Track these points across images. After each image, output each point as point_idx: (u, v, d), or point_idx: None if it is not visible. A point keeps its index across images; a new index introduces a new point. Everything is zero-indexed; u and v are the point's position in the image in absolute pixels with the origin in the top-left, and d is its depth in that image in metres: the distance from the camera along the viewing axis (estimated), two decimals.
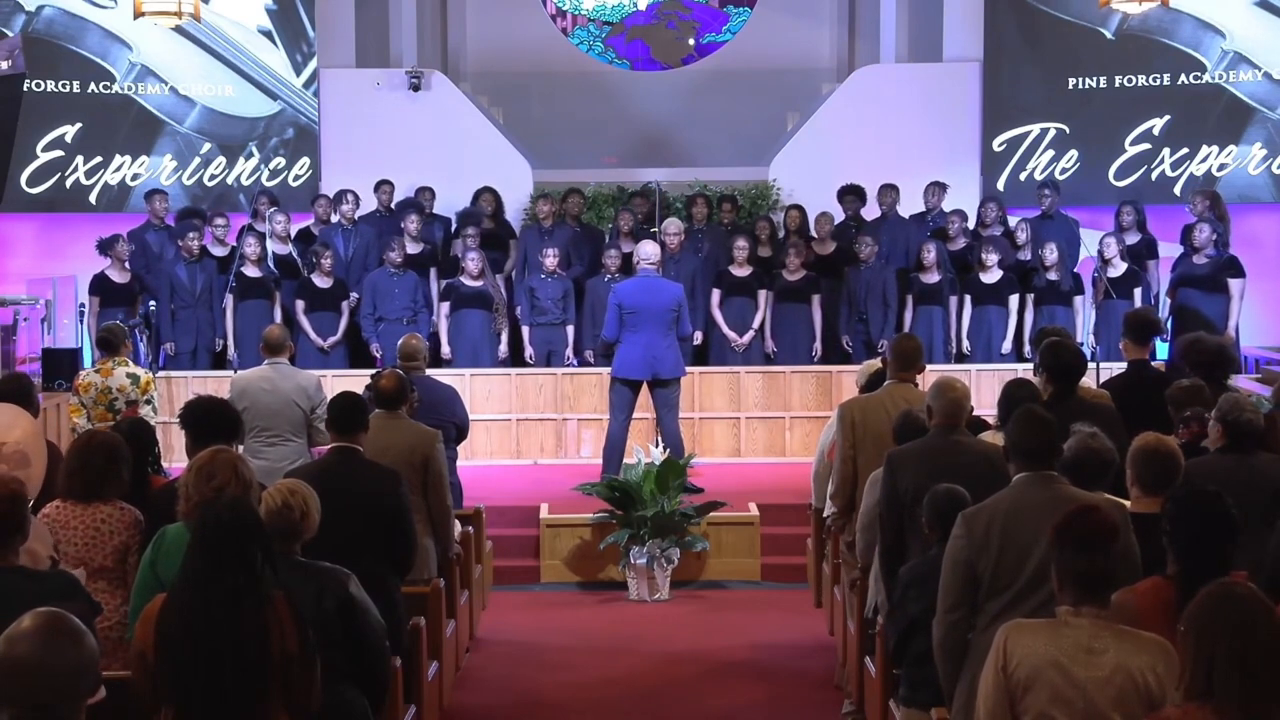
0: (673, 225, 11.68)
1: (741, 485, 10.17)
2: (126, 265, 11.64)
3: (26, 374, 7.38)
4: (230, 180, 13.79)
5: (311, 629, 3.90)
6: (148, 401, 8.32)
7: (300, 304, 11.54)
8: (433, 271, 12.07)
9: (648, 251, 10.00)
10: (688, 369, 10.41)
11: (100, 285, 11.58)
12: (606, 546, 8.98)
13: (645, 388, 9.95)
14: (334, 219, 12.46)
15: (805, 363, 11.64)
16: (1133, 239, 11.96)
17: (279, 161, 13.82)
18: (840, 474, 6.68)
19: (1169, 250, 12.25)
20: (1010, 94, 13.76)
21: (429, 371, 8.43)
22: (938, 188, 12.62)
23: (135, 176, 13.67)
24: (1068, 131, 13.60)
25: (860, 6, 15.58)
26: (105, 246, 11.63)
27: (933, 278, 11.64)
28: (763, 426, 11.49)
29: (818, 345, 11.75)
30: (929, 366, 8.23)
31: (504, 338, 11.76)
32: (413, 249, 11.84)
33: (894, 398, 6.59)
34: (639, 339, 9.75)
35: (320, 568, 4.49)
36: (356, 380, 9.06)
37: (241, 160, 13.79)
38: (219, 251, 11.99)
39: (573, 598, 9.03)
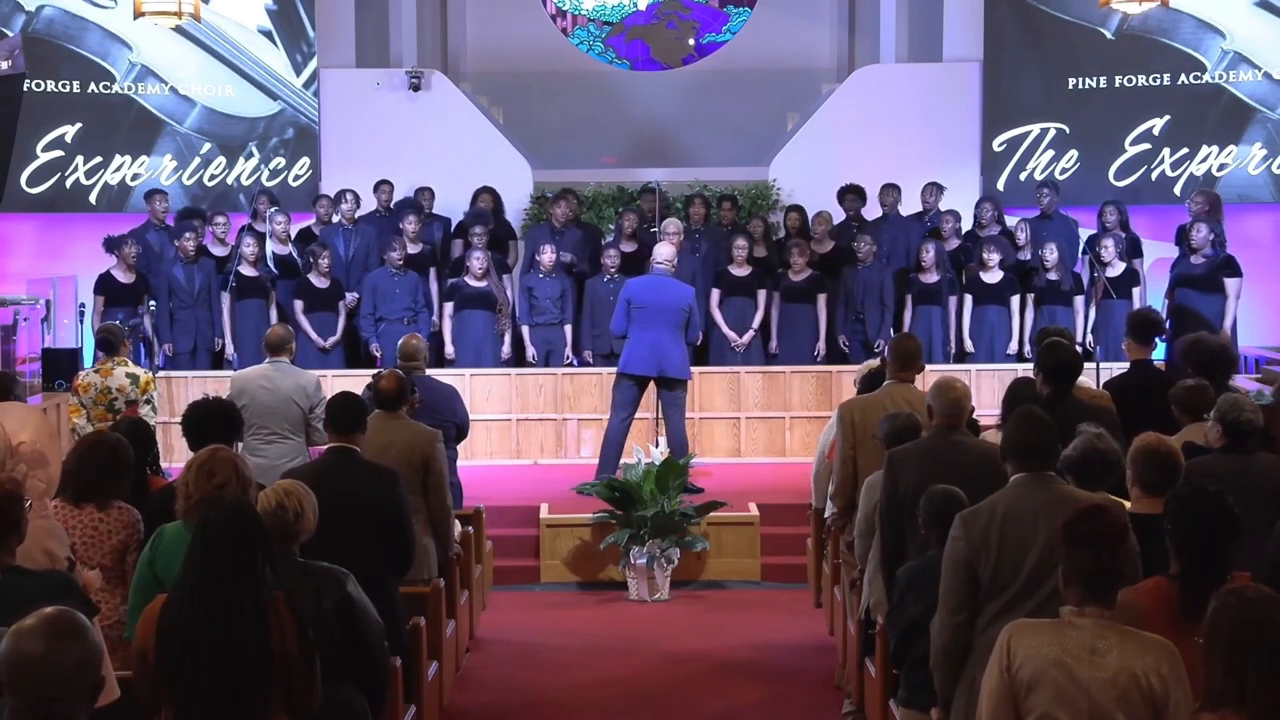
0: (671, 225, 11.65)
1: (741, 485, 10.16)
2: (133, 265, 11.62)
3: (9, 372, 7.37)
4: (230, 180, 13.77)
5: (311, 629, 3.90)
6: (147, 401, 8.32)
7: (299, 304, 11.54)
8: (432, 271, 12.05)
9: (664, 253, 10.05)
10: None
11: (105, 285, 11.54)
12: (606, 546, 8.98)
13: (651, 388, 9.95)
14: (334, 219, 12.45)
15: (808, 363, 11.63)
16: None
17: (279, 161, 13.81)
18: (840, 474, 6.69)
19: (1162, 250, 12.25)
20: (1010, 94, 13.75)
21: (430, 371, 8.43)
22: (934, 188, 12.61)
23: (135, 176, 13.66)
24: (1068, 131, 13.58)
25: (860, 6, 15.57)
26: (113, 245, 11.59)
27: (932, 278, 11.63)
28: (763, 426, 11.48)
29: (821, 345, 11.74)
30: (929, 366, 8.24)
31: (507, 338, 11.75)
32: (412, 249, 11.81)
33: (894, 398, 6.59)
34: (646, 336, 9.77)
35: (318, 568, 4.48)
36: (355, 380, 9.07)
37: (241, 160, 13.77)
38: (219, 251, 11.98)
39: (573, 598, 9.02)
